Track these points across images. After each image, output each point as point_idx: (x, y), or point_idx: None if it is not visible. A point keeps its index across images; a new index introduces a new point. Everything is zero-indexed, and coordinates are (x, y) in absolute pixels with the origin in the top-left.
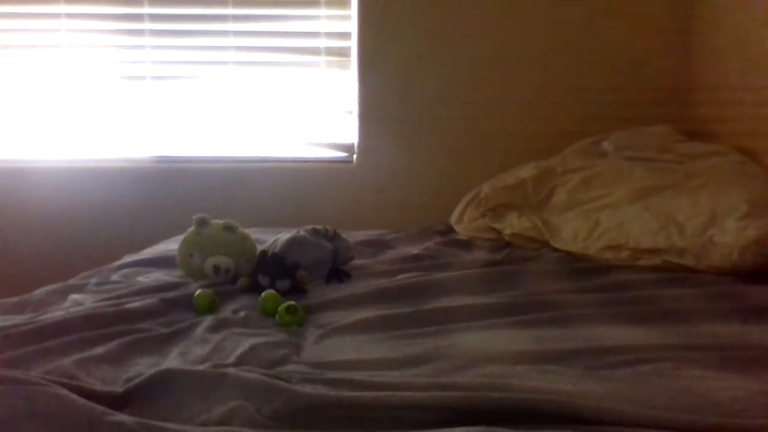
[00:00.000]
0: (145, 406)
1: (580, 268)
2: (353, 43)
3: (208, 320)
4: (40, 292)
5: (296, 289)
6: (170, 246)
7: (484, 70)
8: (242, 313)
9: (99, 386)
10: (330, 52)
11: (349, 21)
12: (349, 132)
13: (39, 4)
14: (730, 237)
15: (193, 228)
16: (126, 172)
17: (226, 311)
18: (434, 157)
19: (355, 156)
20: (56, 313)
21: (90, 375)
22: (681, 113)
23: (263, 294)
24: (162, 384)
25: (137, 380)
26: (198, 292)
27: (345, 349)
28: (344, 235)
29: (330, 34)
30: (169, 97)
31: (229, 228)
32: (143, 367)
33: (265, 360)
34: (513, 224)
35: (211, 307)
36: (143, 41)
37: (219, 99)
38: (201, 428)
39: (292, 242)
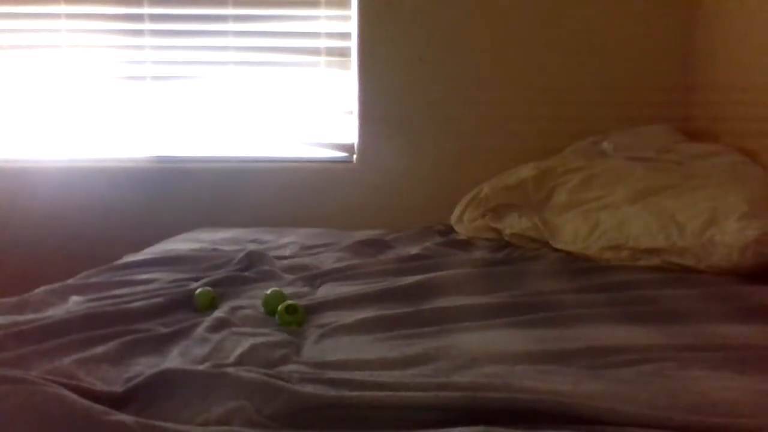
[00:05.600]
0: (145, 406)
1: (580, 268)
2: (353, 43)
3: (208, 320)
4: (40, 292)
5: None
6: (170, 246)
7: (484, 70)
8: (242, 313)
9: (99, 386)
10: (330, 52)
11: (349, 21)
12: (349, 132)
13: (39, 4)
14: (730, 237)
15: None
16: (126, 172)
17: (227, 311)
18: (434, 157)
19: (355, 156)
20: (56, 313)
21: (90, 375)
22: (681, 113)
23: (268, 292)
24: (162, 384)
25: (137, 380)
26: (198, 290)
27: (345, 349)
28: (344, 234)
29: (330, 35)
30: (169, 97)
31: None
32: (143, 367)
33: (265, 360)
34: (513, 224)
35: (212, 305)
36: (143, 41)
37: (219, 99)
38: (201, 428)
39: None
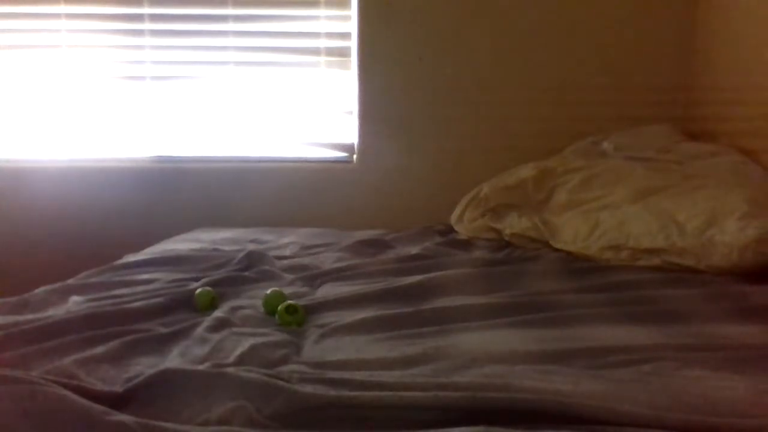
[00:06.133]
0: (145, 406)
1: (580, 268)
2: (353, 43)
3: (208, 320)
4: (40, 292)
5: None
6: (170, 246)
7: (484, 70)
8: (242, 313)
9: (99, 386)
10: (330, 52)
11: (349, 21)
12: (349, 132)
13: (39, 4)
14: (730, 237)
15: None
16: (126, 172)
17: (227, 311)
18: (434, 157)
19: (355, 156)
20: (56, 313)
21: (90, 375)
22: (681, 113)
23: (268, 292)
24: (162, 384)
25: (137, 380)
26: (198, 290)
27: (345, 349)
28: (344, 234)
29: (330, 35)
30: (169, 97)
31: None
32: (143, 367)
33: (265, 360)
34: (513, 224)
35: (212, 305)
36: (143, 41)
37: (219, 99)
38: (201, 428)
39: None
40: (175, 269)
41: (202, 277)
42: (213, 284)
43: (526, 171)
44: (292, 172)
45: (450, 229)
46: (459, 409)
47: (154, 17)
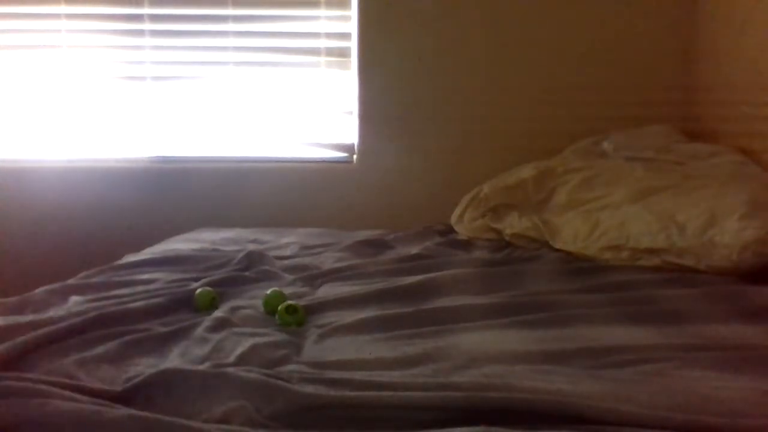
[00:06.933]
0: (145, 406)
1: (580, 268)
2: (353, 44)
3: (208, 320)
4: (40, 292)
5: None
6: (170, 246)
7: (484, 70)
8: (242, 313)
9: (99, 386)
10: (330, 52)
11: (349, 21)
12: (349, 132)
13: (39, 4)
14: (730, 237)
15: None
16: (126, 172)
17: (227, 311)
18: (434, 157)
19: (355, 156)
20: (56, 313)
21: (90, 375)
22: (681, 113)
23: (268, 292)
24: (162, 384)
25: (137, 380)
26: (198, 290)
27: (345, 349)
28: (344, 234)
29: (330, 35)
30: (169, 98)
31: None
32: (143, 366)
33: (265, 360)
34: (513, 224)
35: (212, 305)
36: (143, 41)
37: (219, 99)
38: (200, 424)
39: None
40: (175, 269)
41: (202, 277)
42: (213, 284)
43: (526, 171)
44: (292, 172)
45: (450, 229)
46: (459, 409)
47: (154, 17)
